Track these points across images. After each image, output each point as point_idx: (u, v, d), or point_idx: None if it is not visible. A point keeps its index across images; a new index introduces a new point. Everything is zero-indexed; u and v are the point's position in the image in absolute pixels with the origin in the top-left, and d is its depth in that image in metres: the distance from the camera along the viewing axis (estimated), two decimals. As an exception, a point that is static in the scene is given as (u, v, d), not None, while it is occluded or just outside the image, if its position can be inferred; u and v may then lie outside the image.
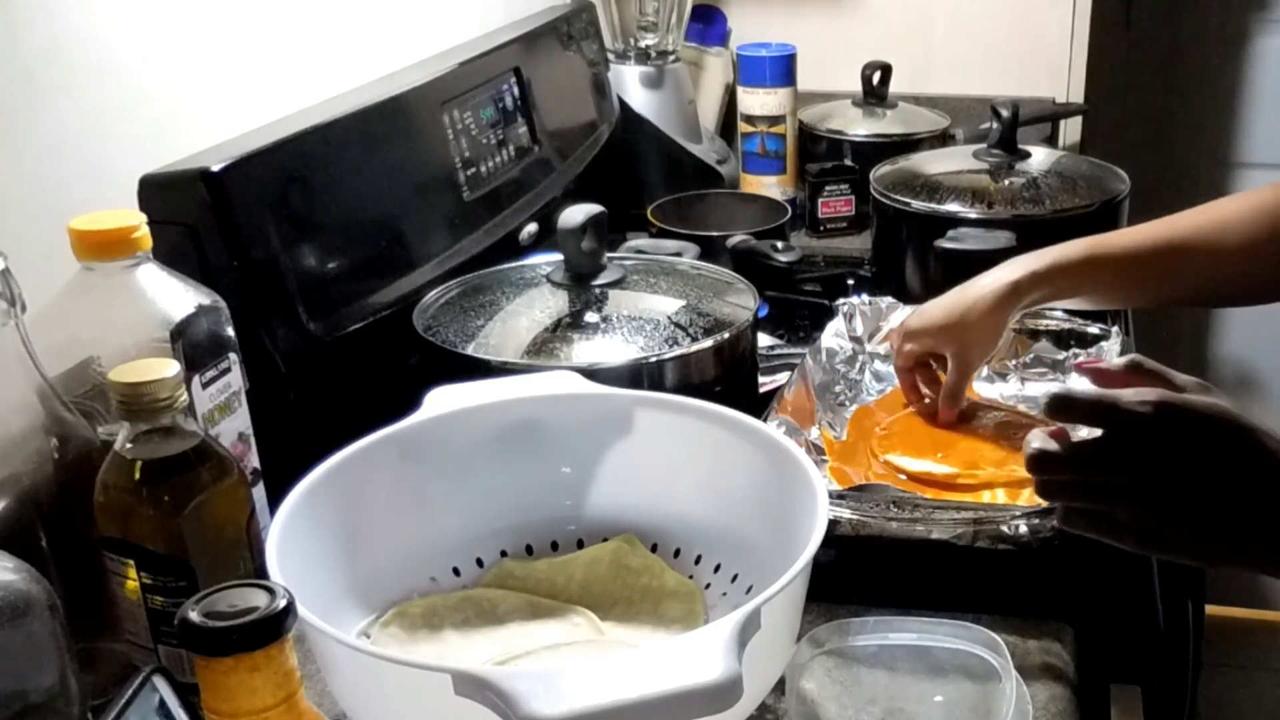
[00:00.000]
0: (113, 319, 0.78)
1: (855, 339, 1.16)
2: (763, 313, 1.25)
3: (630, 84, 1.65)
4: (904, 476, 0.99)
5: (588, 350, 0.99)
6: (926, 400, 1.07)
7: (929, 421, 1.05)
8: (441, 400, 0.84)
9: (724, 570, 0.82)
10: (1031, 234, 1.22)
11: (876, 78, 1.75)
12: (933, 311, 1.06)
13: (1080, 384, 0.87)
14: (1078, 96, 1.86)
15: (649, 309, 1.04)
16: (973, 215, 1.31)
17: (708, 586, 0.82)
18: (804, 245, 1.50)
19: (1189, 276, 1.04)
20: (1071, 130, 1.88)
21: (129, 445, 0.72)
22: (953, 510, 0.87)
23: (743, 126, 1.67)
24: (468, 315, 1.04)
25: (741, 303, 1.07)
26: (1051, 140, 1.83)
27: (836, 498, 0.88)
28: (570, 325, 1.02)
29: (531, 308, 1.04)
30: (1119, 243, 1.03)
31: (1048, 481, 0.75)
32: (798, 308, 1.37)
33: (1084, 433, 0.74)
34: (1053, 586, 0.88)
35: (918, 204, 1.34)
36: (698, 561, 0.83)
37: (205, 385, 0.81)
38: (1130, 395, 0.71)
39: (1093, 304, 1.08)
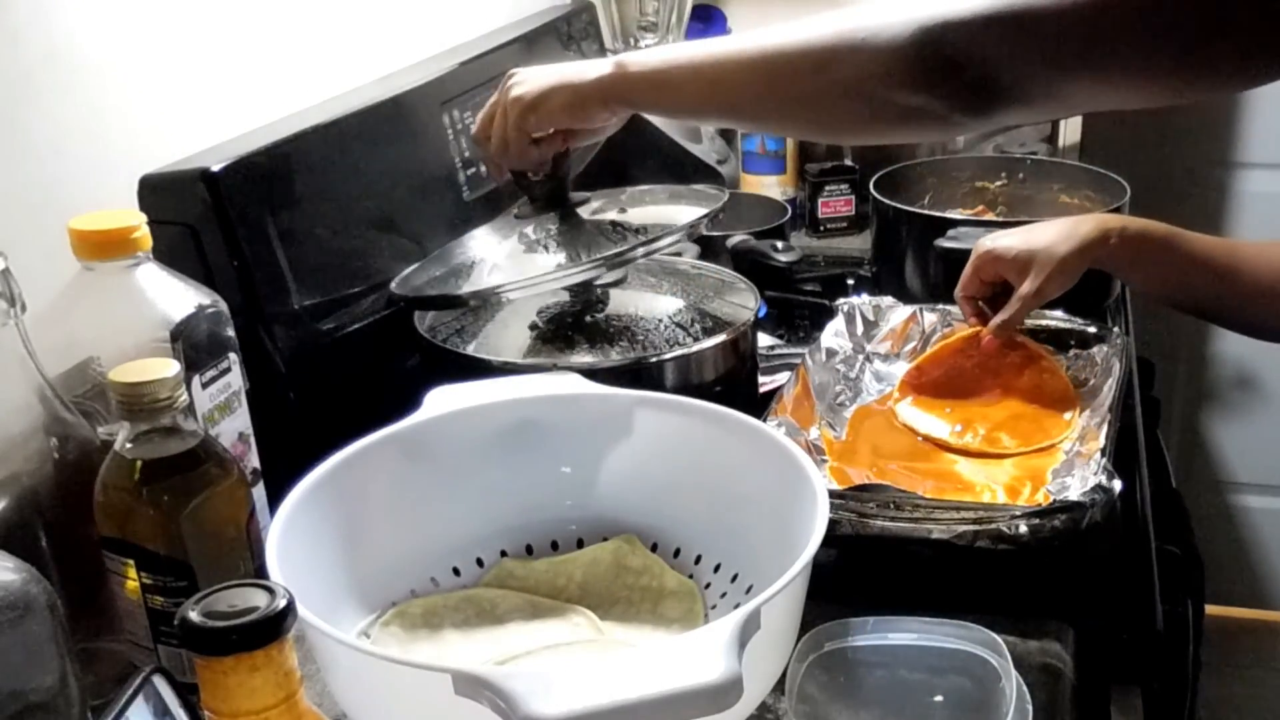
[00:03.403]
0: (113, 319, 0.78)
1: (855, 339, 1.16)
2: (762, 313, 1.25)
3: (630, 84, 1.64)
4: (901, 423, 1.06)
5: (588, 350, 0.99)
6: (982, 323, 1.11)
7: (967, 361, 1.10)
8: (441, 400, 0.84)
9: (724, 570, 0.82)
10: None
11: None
12: (1014, 242, 1.09)
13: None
14: (1078, 96, 1.86)
15: (649, 309, 1.04)
16: (972, 215, 1.31)
17: (708, 586, 0.82)
18: (804, 245, 1.50)
19: (1236, 299, 1.07)
20: (1071, 130, 1.88)
21: (129, 445, 0.72)
22: (953, 510, 0.87)
23: (743, 126, 1.67)
24: (468, 315, 1.04)
25: (741, 303, 1.07)
26: (1051, 140, 1.83)
27: (836, 498, 0.88)
28: (570, 325, 1.02)
29: (531, 307, 1.04)
30: (1194, 238, 1.08)
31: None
32: (798, 308, 1.37)
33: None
34: (1053, 586, 0.88)
35: (917, 203, 1.34)
36: (698, 561, 0.83)
37: (205, 385, 0.81)
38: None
39: (1147, 285, 1.12)
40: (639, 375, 0.96)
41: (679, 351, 0.99)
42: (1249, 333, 1.10)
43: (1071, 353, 1.14)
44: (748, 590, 0.78)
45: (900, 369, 1.15)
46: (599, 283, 1.04)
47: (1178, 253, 1.07)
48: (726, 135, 1.81)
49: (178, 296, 0.80)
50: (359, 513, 0.79)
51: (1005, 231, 1.12)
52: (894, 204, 1.36)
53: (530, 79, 0.97)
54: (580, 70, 0.95)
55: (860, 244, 1.56)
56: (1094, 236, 1.06)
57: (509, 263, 1.02)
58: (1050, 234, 1.08)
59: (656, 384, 0.97)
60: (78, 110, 0.90)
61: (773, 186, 1.66)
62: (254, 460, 0.86)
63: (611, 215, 1.05)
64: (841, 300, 1.19)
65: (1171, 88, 0.69)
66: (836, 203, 1.62)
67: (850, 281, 1.41)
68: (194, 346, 0.80)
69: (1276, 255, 1.05)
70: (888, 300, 1.19)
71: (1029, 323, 1.14)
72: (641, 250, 0.98)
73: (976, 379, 1.10)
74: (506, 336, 1.01)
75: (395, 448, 0.81)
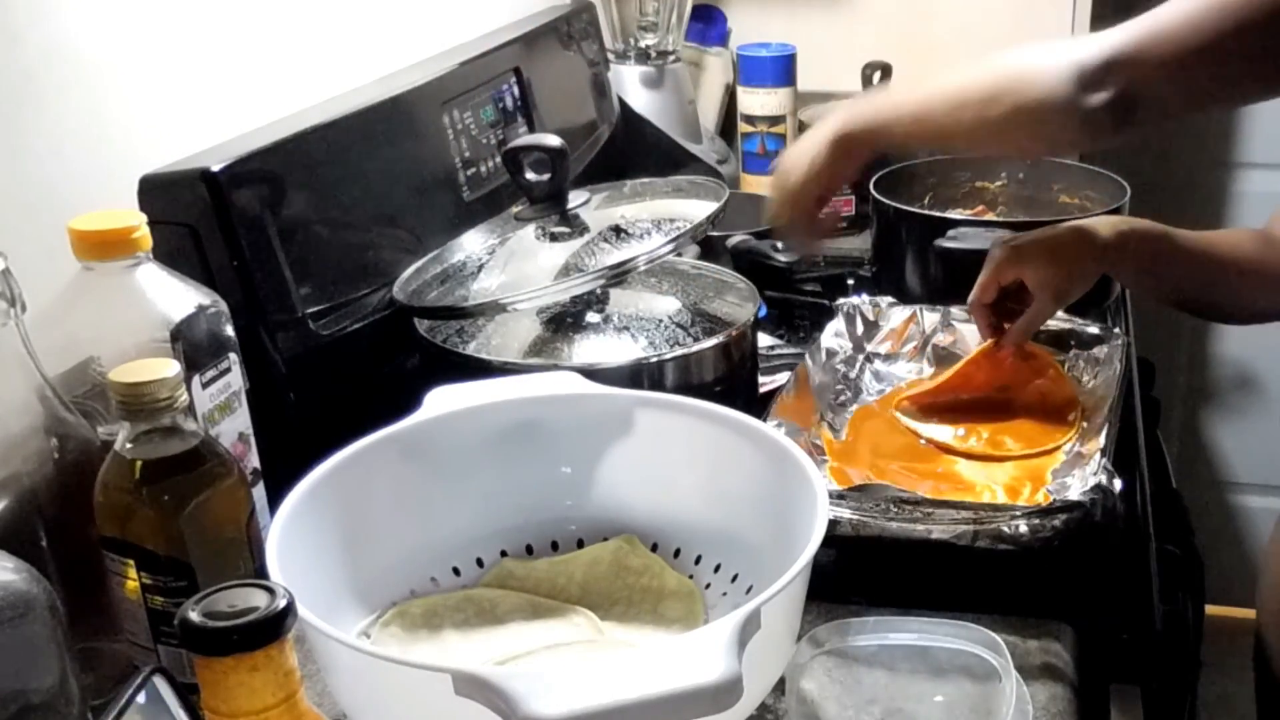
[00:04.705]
0: (113, 319, 0.78)
1: (855, 339, 1.16)
2: (763, 313, 1.25)
3: (630, 84, 1.64)
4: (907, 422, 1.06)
5: (588, 350, 0.99)
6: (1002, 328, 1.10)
7: (976, 373, 1.09)
8: (441, 400, 0.84)
9: (724, 570, 0.82)
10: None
11: (876, 78, 1.75)
12: (1033, 248, 1.08)
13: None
14: (1078, 96, 1.86)
15: (649, 309, 1.04)
16: (972, 215, 1.31)
17: (708, 586, 0.82)
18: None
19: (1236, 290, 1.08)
20: (1071, 130, 1.88)
21: (129, 445, 0.72)
22: (953, 510, 0.87)
23: (743, 126, 1.67)
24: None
25: (741, 303, 1.07)
26: (1051, 140, 1.83)
27: (836, 498, 0.88)
28: (570, 325, 1.02)
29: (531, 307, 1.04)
30: (1206, 238, 1.08)
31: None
32: (798, 308, 1.37)
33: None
34: (1053, 586, 0.88)
35: (917, 203, 1.34)
36: (698, 561, 0.83)
37: (205, 385, 0.81)
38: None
39: (1159, 292, 1.12)
40: (639, 375, 0.96)
41: (679, 351, 0.99)
42: (1261, 321, 1.10)
43: (1072, 353, 1.13)
44: (748, 590, 0.78)
45: (900, 369, 1.15)
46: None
47: (1193, 256, 1.06)
48: (727, 135, 1.82)
49: (178, 296, 0.80)
50: (359, 513, 0.79)
51: (1022, 236, 1.10)
52: (894, 204, 1.36)
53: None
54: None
55: (860, 244, 1.56)
56: (1113, 244, 1.05)
57: (510, 267, 1.02)
58: (1075, 238, 1.07)
59: (656, 384, 0.97)
60: (78, 110, 0.90)
61: (773, 186, 1.66)
62: (254, 460, 0.86)
63: (613, 217, 1.05)
64: (841, 300, 1.19)
65: None
66: (836, 203, 1.62)
67: (850, 281, 1.41)
68: (194, 346, 0.80)
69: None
70: (888, 300, 1.19)
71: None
72: (644, 259, 0.98)
73: (984, 393, 1.09)
74: (506, 336, 1.01)
75: (395, 448, 0.81)
